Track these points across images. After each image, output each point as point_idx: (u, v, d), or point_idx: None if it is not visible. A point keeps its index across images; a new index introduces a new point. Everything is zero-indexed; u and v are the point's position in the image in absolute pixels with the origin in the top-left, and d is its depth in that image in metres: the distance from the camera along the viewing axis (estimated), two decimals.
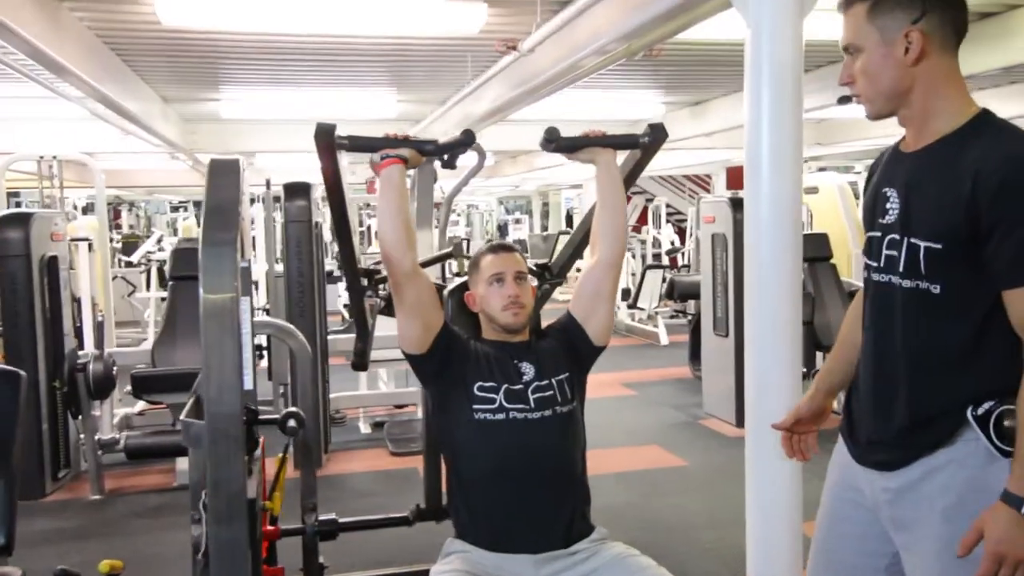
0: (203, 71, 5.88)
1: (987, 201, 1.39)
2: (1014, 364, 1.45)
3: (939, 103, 1.49)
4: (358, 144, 2.17)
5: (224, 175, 2.01)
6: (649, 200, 17.32)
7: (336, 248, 9.07)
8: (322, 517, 2.77)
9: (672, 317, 10.01)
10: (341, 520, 2.80)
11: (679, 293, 7.38)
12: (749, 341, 2.41)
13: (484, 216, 20.10)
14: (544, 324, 2.36)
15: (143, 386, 4.76)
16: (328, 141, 2.09)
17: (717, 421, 6.04)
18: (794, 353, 2.32)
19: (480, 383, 2.09)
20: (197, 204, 21.03)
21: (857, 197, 7.91)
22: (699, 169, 16.37)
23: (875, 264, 1.58)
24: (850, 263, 6.86)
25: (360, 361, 3.17)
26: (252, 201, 9.22)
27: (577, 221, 16.32)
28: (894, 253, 1.52)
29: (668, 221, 15.01)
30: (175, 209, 21.03)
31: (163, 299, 8.54)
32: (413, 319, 2.09)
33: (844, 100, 1.73)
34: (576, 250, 3.26)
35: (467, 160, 3.45)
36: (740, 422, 5.83)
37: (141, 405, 5.52)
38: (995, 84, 6.58)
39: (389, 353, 6.21)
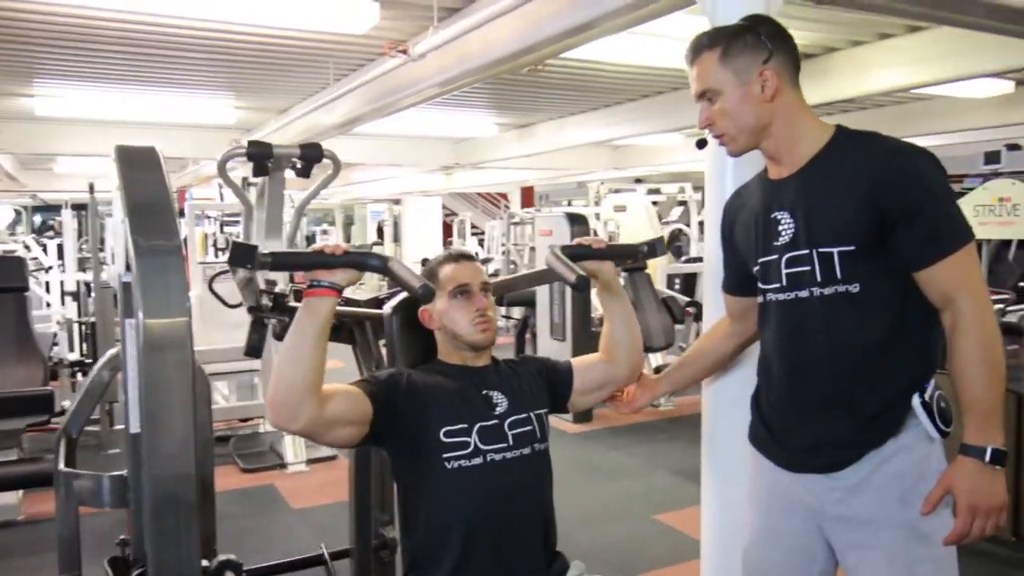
0: (17, 61, 4.78)
1: (886, 197, 1.39)
2: (935, 344, 1.47)
3: (800, 129, 1.51)
4: (283, 263, 1.54)
5: (143, 168, 1.42)
6: (448, 216, 17.11)
7: None
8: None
9: None
10: (249, 567, 2.20)
11: (508, 301, 7.15)
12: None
13: (286, 227, 18.73)
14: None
15: None
16: (248, 264, 1.40)
17: (554, 419, 5.84)
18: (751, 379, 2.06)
19: (447, 427, 1.62)
20: None
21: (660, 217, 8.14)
22: (497, 188, 16.42)
23: (776, 285, 1.54)
24: (656, 272, 6.96)
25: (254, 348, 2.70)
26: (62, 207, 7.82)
27: (389, 233, 15.74)
28: (803, 268, 1.48)
29: (473, 235, 14.88)
30: None
31: None
32: (343, 429, 1.55)
33: (702, 144, 1.56)
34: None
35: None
36: (578, 419, 5.69)
37: None
38: None
39: (228, 366, 5.47)
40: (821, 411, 1.51)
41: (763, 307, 1.60)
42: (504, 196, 17.96)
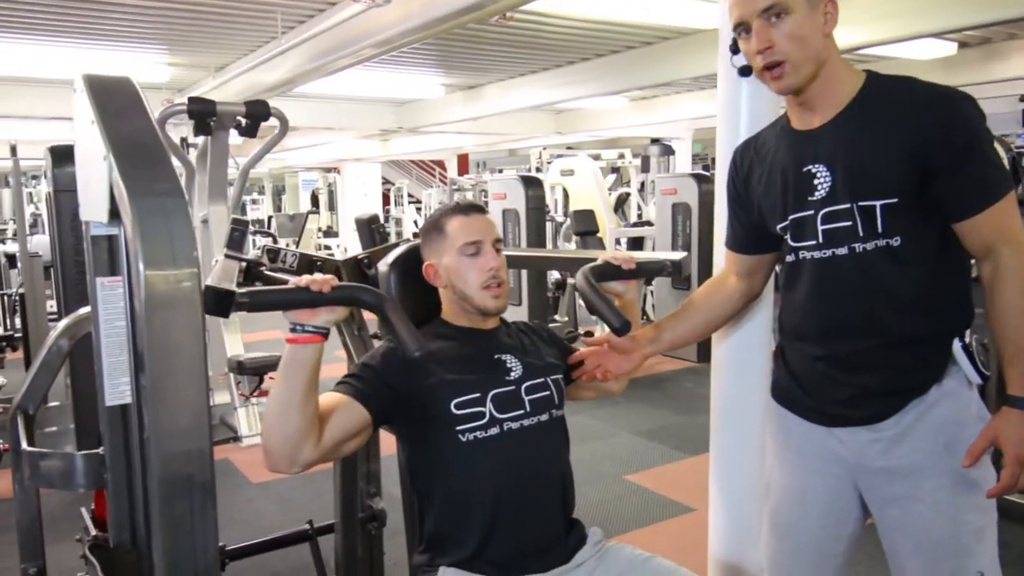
0: None
1: (932, 145, 1.29)
2: (971, 293, 1.41)
3: (840, 72, 1.38)
4: (262, 303, 1.28)
5: (123, 99, 1.21)
6: (384, 185, 16.71)
7: None
8: None
9: None
10: (230, 547, 2.02)
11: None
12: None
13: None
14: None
15: None
16: (224, 313, 1.22)
17: None
18: (766, 336, 1.96)
19: (457, 399, 1.47)
20: None
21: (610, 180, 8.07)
22: (434, 155, 16.11)
23: (811, 242, 1.42)
24: (605, 236, 6.92)
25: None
26: None
27: (324, 201, 15.24)
28: (843, 223, 1.37)
29: (410, 203, 14.57)
30: None
31: None
32: (347, 445, 1.41)
33: (746, 71, 1.42)
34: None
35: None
36: None
37: None
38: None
39: None
40: (860, 366, 1.42)
41: (793, 266, 1.48)
42: (440, 164, 17.66)
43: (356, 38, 3.72)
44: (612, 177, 9.98)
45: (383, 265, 1.81)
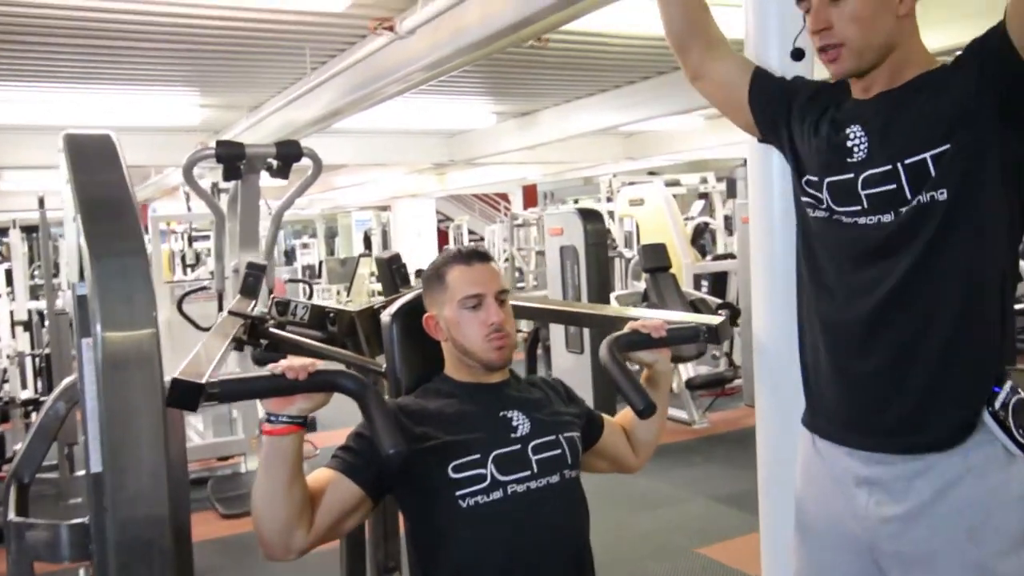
0: None
1: (1005, 62, 1.25)
2: (1011, 333, 1.36)
3: (917, 59, 1.37)
4: (233, 393, 1.36)
5: (98, 158, 1.35)
6: (442, 221, 17.07)
7: None
8: None
9: None
10: None
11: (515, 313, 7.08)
12: (762, 352, 2.01)
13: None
14: None
15: None
16: (192, 406, 1.23)
17: None
18: None
19: (455, 461, 1.51)
20: None
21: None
22: (495, 188, 16.40)
23: (856, 208, 1.39)
24: (681, 272, 6.89)
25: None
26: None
27: (377, 244, 15.72)
28: (888, 187, 1.34)
29: (471, 241, 14.86)
30: None
31: None
32: (346, 524, 1.51)
33: (798, 55, 1.52)
34: None
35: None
36: None
37: None
38: None
39: None
40: (872, 376, 1.39)
41: (827, 224, 1.46)
42: (504, 197, 17.93)
43: (387, 71, 3.92)
44: (699, 204, 9.95)
45: (385, 316, 1.90)
